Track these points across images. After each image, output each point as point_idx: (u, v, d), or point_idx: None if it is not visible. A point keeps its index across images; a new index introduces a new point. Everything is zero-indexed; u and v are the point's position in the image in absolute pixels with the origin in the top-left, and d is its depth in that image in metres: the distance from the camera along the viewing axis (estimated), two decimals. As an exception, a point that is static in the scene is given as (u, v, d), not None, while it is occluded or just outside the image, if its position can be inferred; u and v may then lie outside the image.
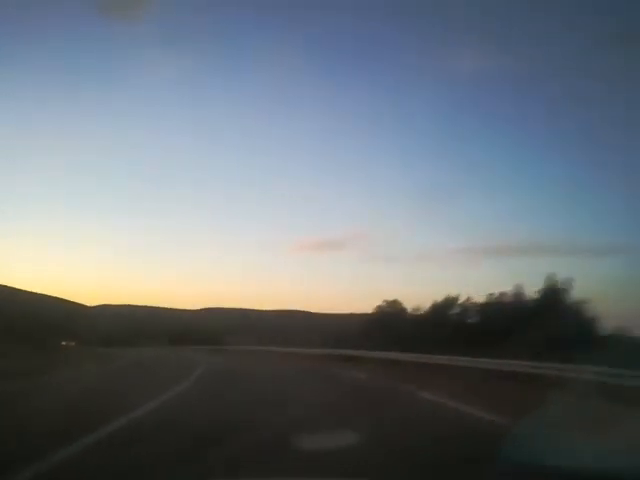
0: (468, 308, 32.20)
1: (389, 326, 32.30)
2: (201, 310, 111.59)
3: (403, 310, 36.52)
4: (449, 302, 32.86)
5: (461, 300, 32.55)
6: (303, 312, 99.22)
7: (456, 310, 32.73)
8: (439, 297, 33.26)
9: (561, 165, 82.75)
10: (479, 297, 31.65)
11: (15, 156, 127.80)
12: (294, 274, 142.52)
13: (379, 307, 37.48)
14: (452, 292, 33.18)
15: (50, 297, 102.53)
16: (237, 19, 79.83)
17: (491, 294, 30.45)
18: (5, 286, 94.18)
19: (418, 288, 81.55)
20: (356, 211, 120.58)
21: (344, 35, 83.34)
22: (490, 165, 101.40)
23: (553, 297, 26.76)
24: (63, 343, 35.39)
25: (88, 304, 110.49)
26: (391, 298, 37.46)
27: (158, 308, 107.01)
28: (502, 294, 29.99)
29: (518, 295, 29.24)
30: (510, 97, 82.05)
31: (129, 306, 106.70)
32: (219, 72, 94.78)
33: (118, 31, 63.58)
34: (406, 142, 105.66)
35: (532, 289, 28.32)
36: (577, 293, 26.78)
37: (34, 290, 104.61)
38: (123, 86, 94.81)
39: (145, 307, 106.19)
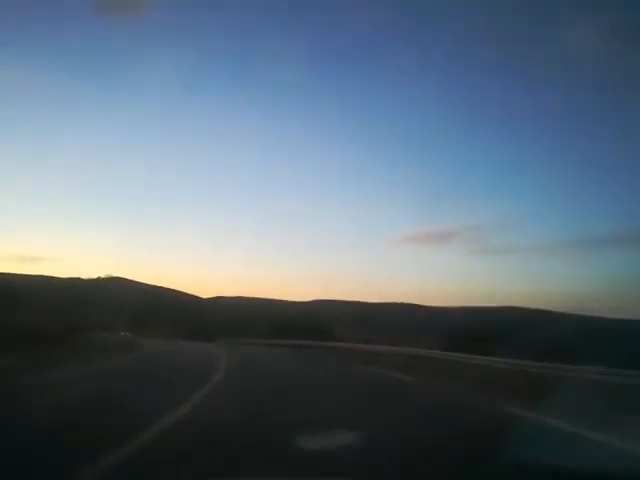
0: None
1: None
2: (312, 302, 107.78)
3: None
4: None
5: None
6: (417, 306, 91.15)
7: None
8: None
9: None
10: None
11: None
12: (402, 266, 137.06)
13: None
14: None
15: (167, 289, 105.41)
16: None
17: None
18: (123, 279, 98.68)
19: (537, 281, 68.48)
20: (466, 202, 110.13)
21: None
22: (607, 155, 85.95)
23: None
24: (122, 333, 33.37)
25: (203, 296, 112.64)
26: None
27: (270, 300, 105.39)
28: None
29: None
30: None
31: (242, 298, 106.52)
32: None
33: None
34: (510, 135, 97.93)
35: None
36: None
37: (151, 282, 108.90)
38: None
39: (257, 299, 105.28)
